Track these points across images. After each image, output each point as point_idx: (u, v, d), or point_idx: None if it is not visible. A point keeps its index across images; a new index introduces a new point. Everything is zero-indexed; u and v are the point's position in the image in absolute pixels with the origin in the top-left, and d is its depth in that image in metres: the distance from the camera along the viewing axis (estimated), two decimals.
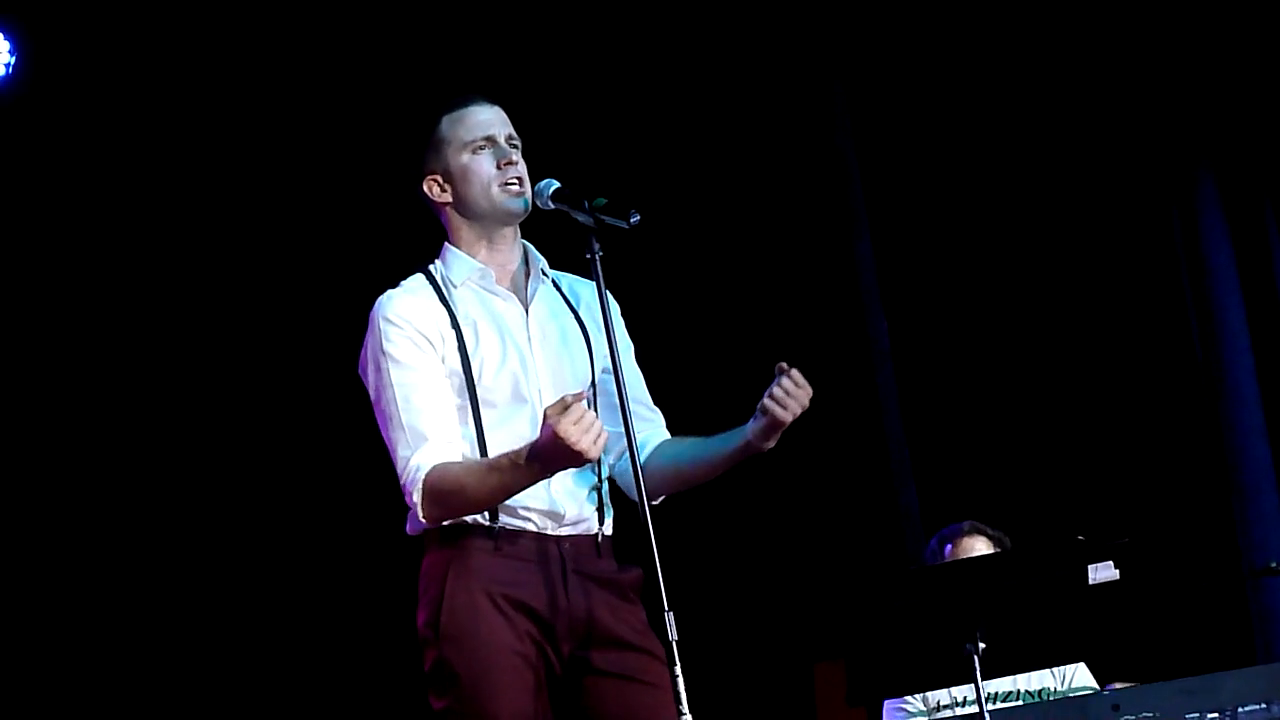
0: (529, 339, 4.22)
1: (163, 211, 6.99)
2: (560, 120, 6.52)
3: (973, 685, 4.40)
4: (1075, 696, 5.10)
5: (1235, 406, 6.97)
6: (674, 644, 3.94)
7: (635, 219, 4.08)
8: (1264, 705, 4.44)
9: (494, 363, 4.17)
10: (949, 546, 5.62)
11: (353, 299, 4.33)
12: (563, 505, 4.17)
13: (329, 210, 6.98)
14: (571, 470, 4.15)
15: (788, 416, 4.10)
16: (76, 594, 6.89)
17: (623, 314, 4.39)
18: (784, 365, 4.10)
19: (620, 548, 4.25)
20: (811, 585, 6.46)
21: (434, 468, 4.07)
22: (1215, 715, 4.47)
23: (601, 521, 4.23)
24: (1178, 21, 6.98)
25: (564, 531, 4.17)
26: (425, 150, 4.27)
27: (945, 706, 5.42)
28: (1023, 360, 7.10)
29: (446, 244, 4.29)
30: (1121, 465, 6.96)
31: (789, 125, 7.22)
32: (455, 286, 4.22)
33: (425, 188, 4.28)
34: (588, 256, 4.13)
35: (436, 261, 4.28)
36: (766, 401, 4.09)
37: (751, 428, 4.15)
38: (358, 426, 4.34)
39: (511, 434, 4.14)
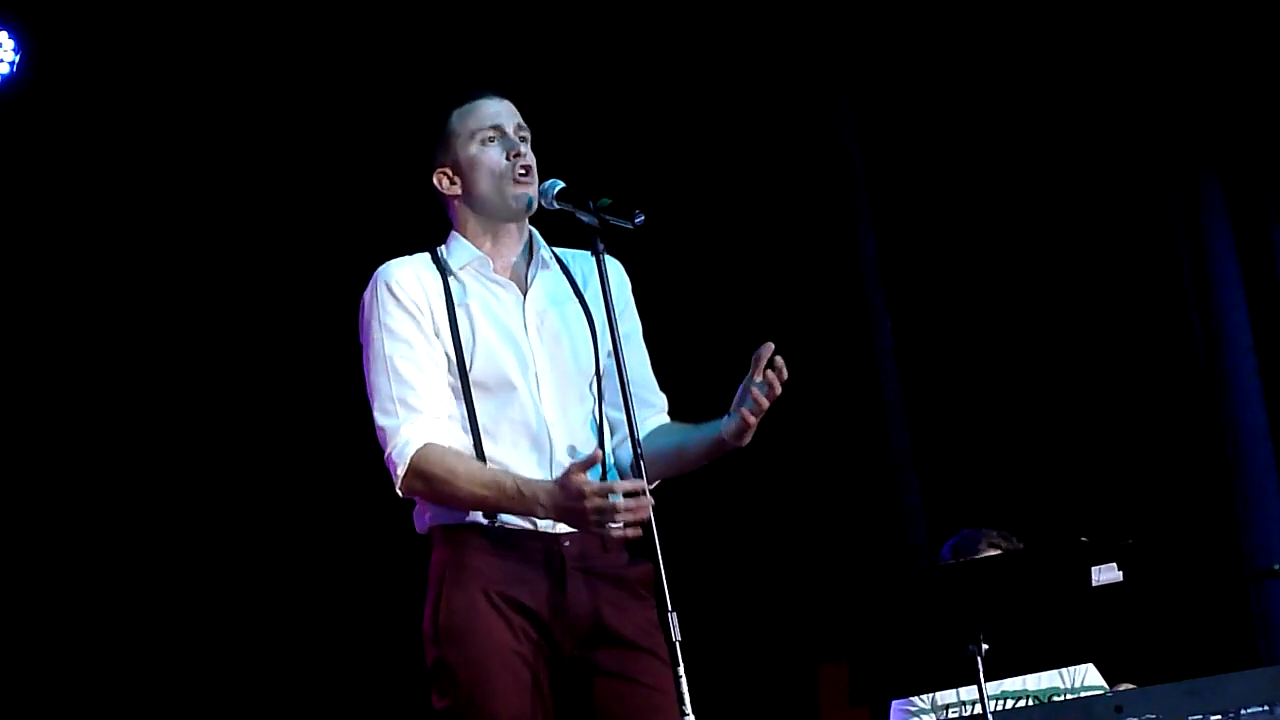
0: (525, 326, 4.23)
1: (167, 210, 6.98)
2: (567, 120, 6.51)
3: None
4: (1078, 698, 5.09)
5: (1238, 408, 6.97)
6: (677, 644, 3.95)
7: (639, 219, 4.10)
8: (1266, 707, 4.44)
9: (486, 348, 4.19)
10: (963, 560, 5.59)
11: (361, 293, 4.32)
12: None
13: (335, 207, 6.97)
14: (573, 459, 4.16)
15: (760, 413, 4.08)
16: (98, 594, 6.90)
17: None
18: (763, 354, 4.06)
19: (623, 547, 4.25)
20: (815, 586, 6.46)
21: (426, 445, 4.11)
22: (1218, 717, 4.46)
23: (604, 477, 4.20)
24: (1180, 22, 6.98)
25: (566, 529, 4.16)
26: (435, 144, 4.30)
27: (952, 707, 5.41)
28: (1026, 360, 7.10)
29: (453, 231, 4.32)
30: (1125, 466, 6.96)
31: (794, 124, 7.22)
32: (455, 271, 4.25)
33: (435, 181, 4.31)
34: (592, 256, 4.16)
35: (442, 246, 4.31)
36: (748, 404, 4.06)
37: (726, 429, 4.14)
38: (369, 424, 4.33)
39: (502, 416, 4.16)
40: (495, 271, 4.27)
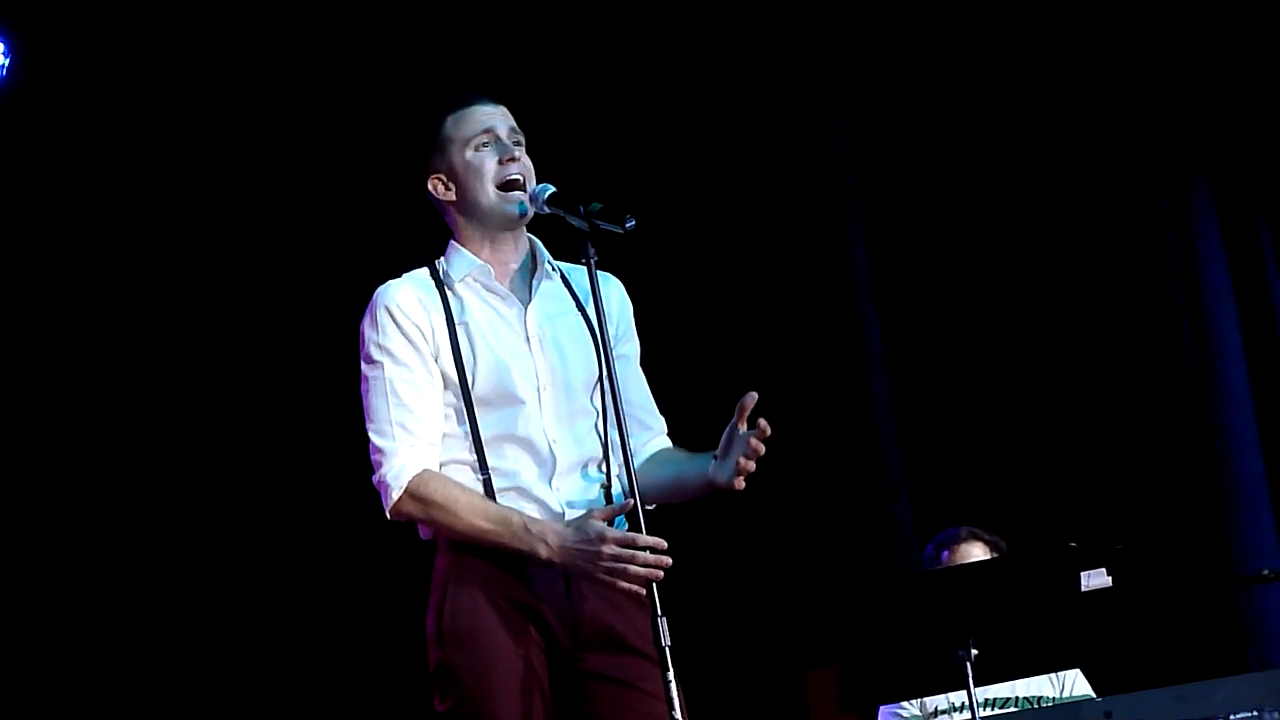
0: (527, 338, 4.23)
1: (162, 213, 6.97)
2: (556, 123, 6.50)
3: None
4: (1068, 703, 5.10)
5: (1228, 413, 6.98)
6: (667, 649, 3.96)
7: (630, 224, 4.10)
8: (1255, 713, 4.44)
9: (487, 364, 4.18)
10: (946, 553, 5.61)
11: (361, 299, 4.32)
12: (568, 509, 4.18)
13: (332, 211, 6.96)
14: (577, 473, 4.20)
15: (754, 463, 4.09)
16: (98, 596, 6.89)
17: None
18: (746, 404, 4.05)
19: None
20: (804, 591, 6.46)
21: (424, 470, 4.11)
22: None
23: (611, 523, 4.23)
24: (1172, 26, 6.98)
25: None
26: (430, 150, 4.30)
27: (942, 712, 5.42)
28: (1016, 366, 7.10)
29: (451, 240, 4.31)
30: (1114, 472, 6.96)
31: (784, 129, 7.22)
32: (455, 283, 4.24)
33: (430, 187, 4.30)
34: (583, 261, 4.16)
35: (441, 258, 4.30)
36: (746, 452, 4.06)
37: (716, 475, 4.14)
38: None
39: (505, 430, 4.16)
40: (496, 280, 4.26)
